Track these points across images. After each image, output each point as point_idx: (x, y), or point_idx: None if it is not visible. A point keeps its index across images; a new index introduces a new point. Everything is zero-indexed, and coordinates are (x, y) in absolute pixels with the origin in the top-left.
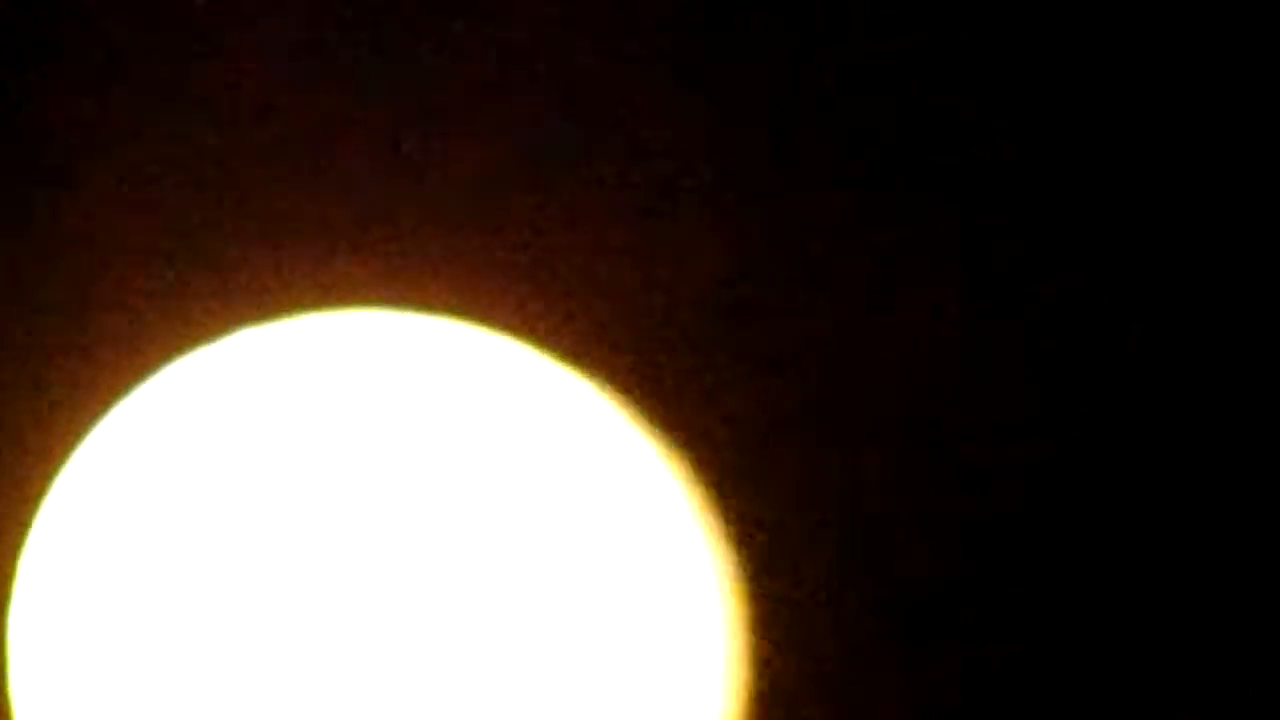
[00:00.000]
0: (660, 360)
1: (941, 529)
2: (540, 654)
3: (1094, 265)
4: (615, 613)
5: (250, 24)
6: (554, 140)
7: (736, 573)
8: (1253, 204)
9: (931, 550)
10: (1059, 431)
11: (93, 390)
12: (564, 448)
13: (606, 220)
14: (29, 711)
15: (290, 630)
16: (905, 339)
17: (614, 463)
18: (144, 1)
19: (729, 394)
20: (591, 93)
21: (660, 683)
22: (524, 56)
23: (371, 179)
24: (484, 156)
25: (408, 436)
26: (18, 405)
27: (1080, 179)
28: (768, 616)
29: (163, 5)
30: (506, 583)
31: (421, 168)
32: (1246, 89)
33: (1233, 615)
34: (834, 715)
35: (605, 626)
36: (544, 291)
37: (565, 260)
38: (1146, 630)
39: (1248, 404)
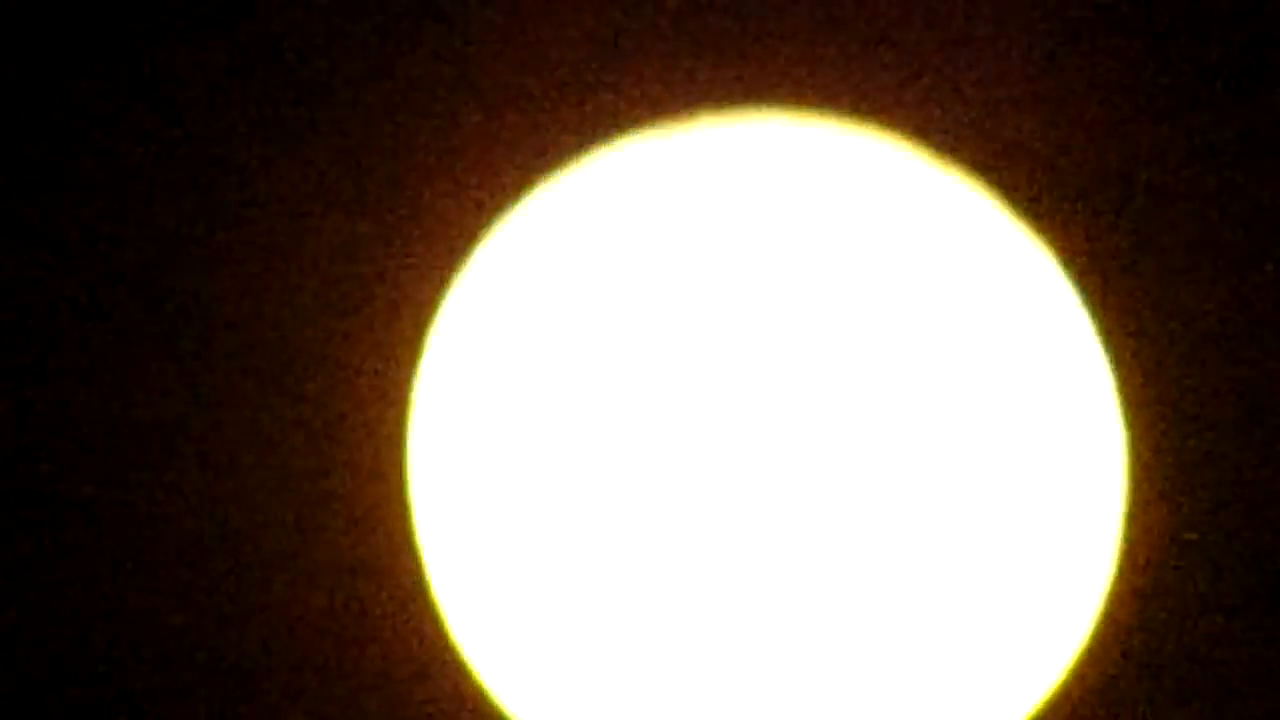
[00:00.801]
0: (1058, 167)
1: None
2: (924, 458)
3: None
4: (998, 411)
5: None
6: None
7: (1122, 382)
8: None
9: None
10: None
11: (489, 191)
12: (953, 252)
13: (999, 23)
14: (426, 499)
15: (672, 428)
16: None
17: (1004, 270)
18: None
19: (1122, 208)
20: None
21: (1044, 487)
22: None
23: None
24: None
25: (793, 240)
26: (415, 205)
27: None
28: (1154, 427)
29: None
30: (890, 382)
31: None
32: None
33: None
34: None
35: (990, 426)
36: (935, 95)
37: (964, 64)
38: None
39: None
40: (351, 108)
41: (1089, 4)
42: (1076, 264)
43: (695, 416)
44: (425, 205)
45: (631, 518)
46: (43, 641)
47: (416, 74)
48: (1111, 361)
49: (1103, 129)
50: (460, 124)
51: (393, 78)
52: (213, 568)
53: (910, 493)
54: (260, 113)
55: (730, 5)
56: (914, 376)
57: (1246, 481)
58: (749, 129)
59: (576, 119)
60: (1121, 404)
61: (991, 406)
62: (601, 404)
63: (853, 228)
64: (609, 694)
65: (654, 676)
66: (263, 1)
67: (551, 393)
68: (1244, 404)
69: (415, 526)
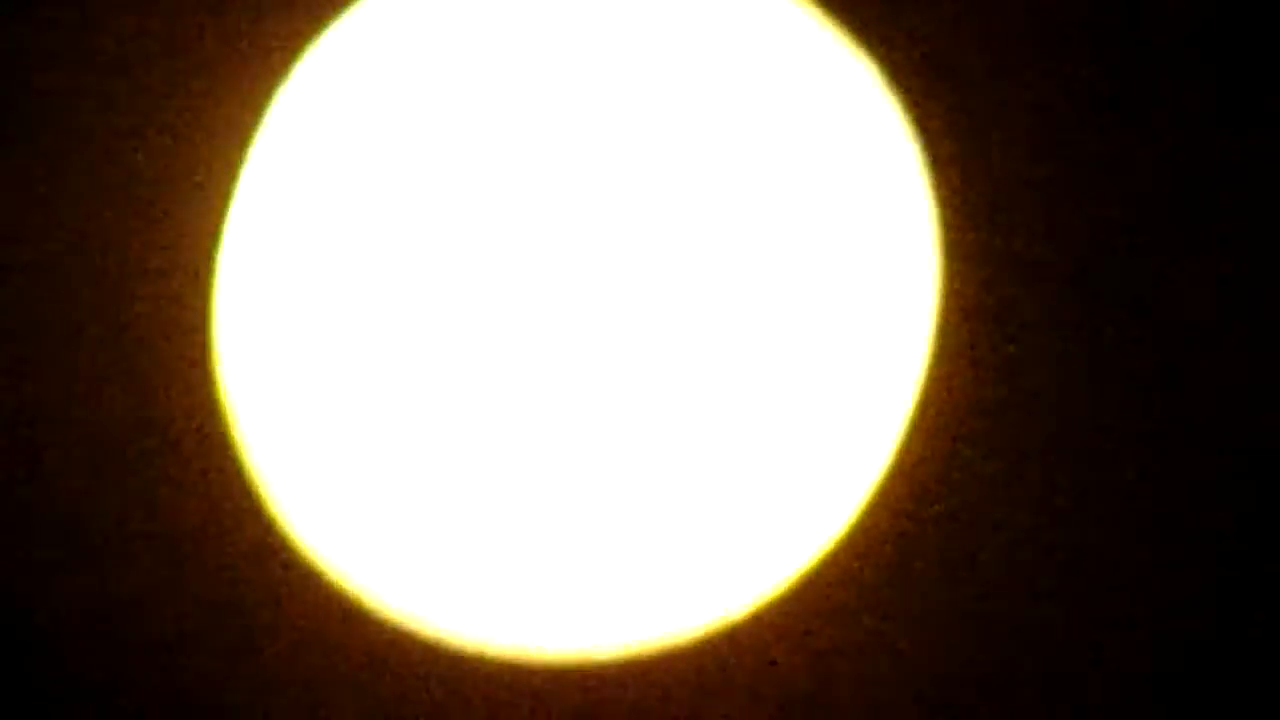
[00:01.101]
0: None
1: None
2: (735, 264)
3: None
4: (811, 212)
5: None
6: None
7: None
8: None
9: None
10: None
11: (289, 32)
12: (765, 58)
13: None
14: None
15: (485, 268)
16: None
17: (818, 75)
18: None
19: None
20: None
21: (855, 293)
22: None
23: None
24: None
25: (604, 49)
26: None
27: None
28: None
29: None
30: (703, 184)
31: None
32: None
33: None
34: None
35: (803, 228)
36: None
37: None
38: None
39: None
40: None
41: None
42: (892, 68)
43: (510, 244)
44: (230, 44)
45: (444, 367)
46: None
47: None
48: (929, 171)
49: None
50: None
51: None
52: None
53: (720, 304)
54: None
55: None
56: (726, 179)
57: (1057, 306)
58: None
59: None
60: (934, 199)
61: (804, 207)
62: (411, 252)
63: (662, 32)
64: (415, 547)
65: (470, 538)
66: None
67: (355, 244)
68: (1058, 210)
69: (219, 377)
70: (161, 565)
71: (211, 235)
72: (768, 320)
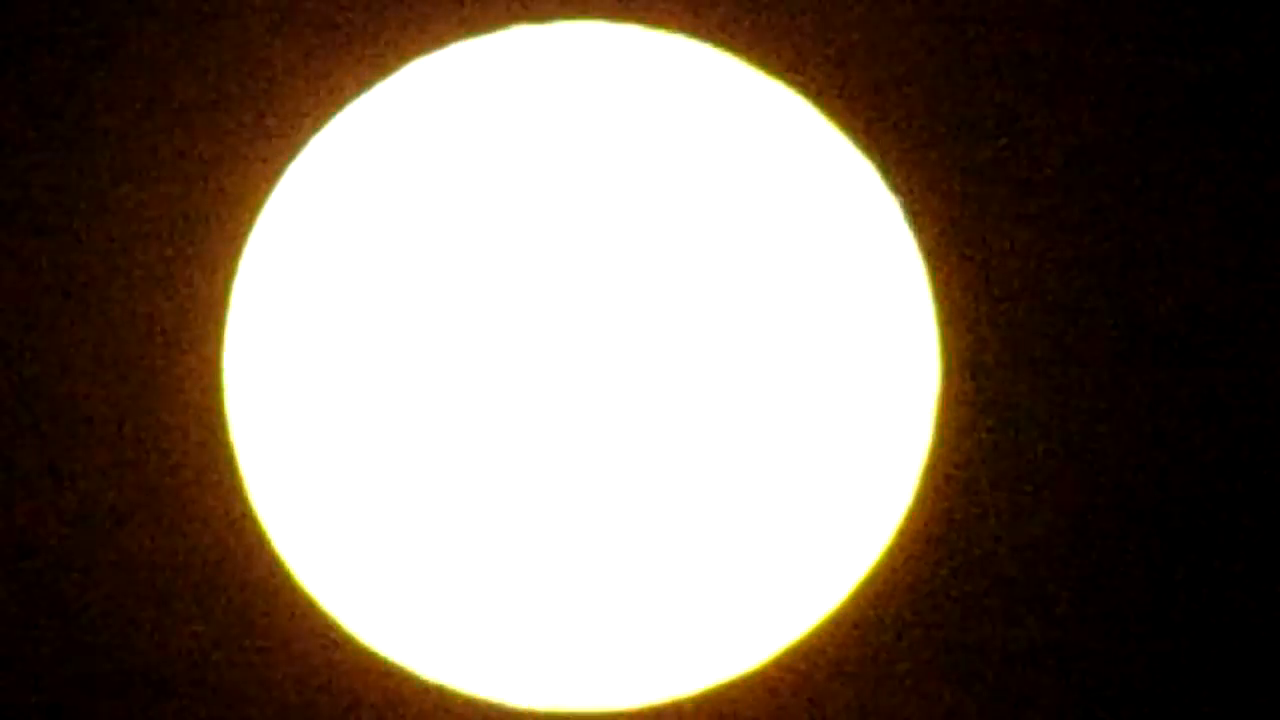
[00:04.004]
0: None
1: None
2: (740, 351)
3: None
4: (817, 305)
5: None
6: None
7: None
8: None
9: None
10: None
11: (306, 101)
12: (772, 159)
13: None
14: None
15: (491, 334)
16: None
17: (821, 175)
18: None
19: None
20: None
21: (857, 376)
22: None
23: None
24: None
25: (609, 144)
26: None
27: None
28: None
29: None
30: (704, 280)
31: None
32: None
33: None
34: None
35: (809, 315)
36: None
37: None
38: None
39: None
40: (163, 24)
41: None
42: (891, 167)
43: (513, 321)
44: (238, 122)
45: (449, 413)
46: None
47: None
48: (927, 265)
49: (919, 32)
50: (271, 41)
51: None
52: (19, 459)
53: (723, 383)
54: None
55: None
56: (728, 274)
57: (1059, 376)
58: (566, 38)
59: (391, 31)
60: (934, 290)
61: (804, 299)
62: (417, 314)
63: (667, 128)
64: (421, 583)
65: (472, 570)
66: None
67: (362, 307)
68: (1059, 304)
69: (230, 428)
70: (165, 608)
71: (221, 292)
72: (774, 390)
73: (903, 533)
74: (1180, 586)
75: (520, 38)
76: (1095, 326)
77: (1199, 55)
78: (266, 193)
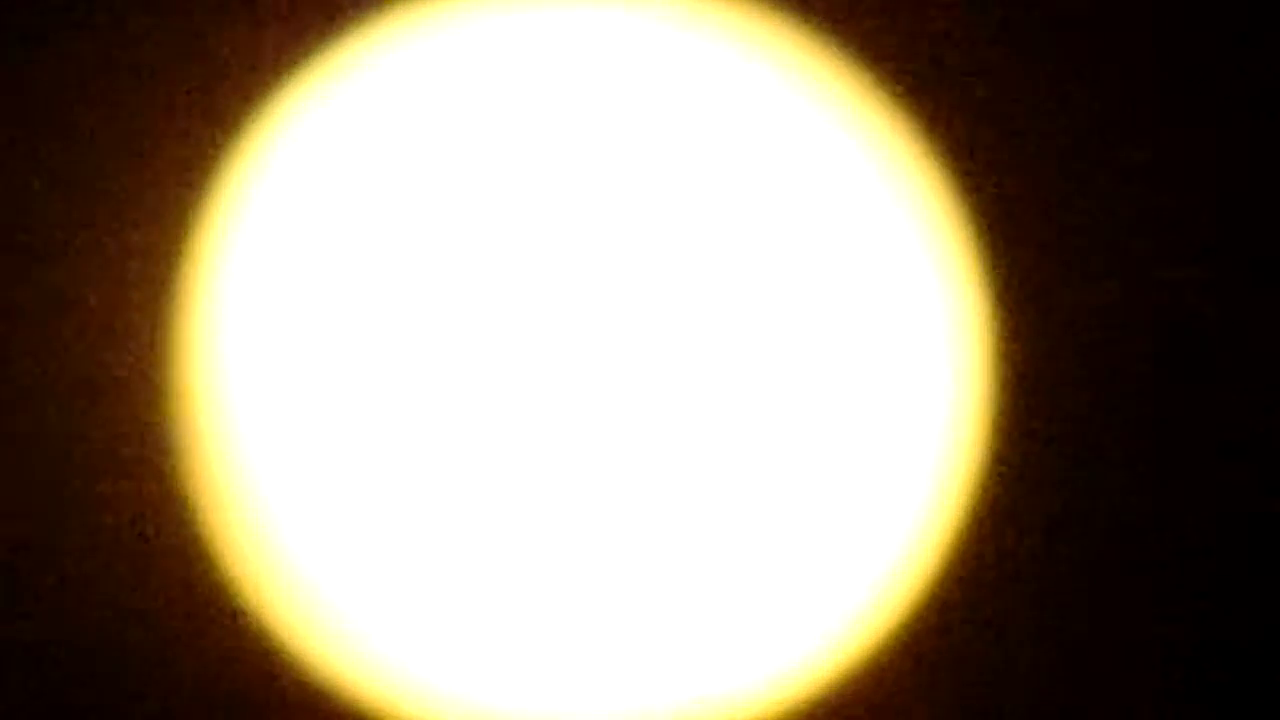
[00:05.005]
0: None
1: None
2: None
3: None
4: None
5: None
6: None
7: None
8: None
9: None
10: None
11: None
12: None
13: None
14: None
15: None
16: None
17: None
18: None
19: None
20: None
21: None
22: None
23: None
24: None
25: (652, 118)
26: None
27: None
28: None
29: None
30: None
31: None
32: None
33: None
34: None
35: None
36: None
37: None
38: None
39: None
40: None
41: None
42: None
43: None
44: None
45: (428, 412)
46: None
47: None
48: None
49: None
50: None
51: None
52: None
53: (772, 388)
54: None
55: None
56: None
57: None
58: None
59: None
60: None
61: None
62: (387, 305)
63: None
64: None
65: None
66: None
67: (323, 296)
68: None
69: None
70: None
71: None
72: (810, 415)
73: (954, 544)
74: (1249, 590)
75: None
76: (1144, 325)
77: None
78: (215, 174)
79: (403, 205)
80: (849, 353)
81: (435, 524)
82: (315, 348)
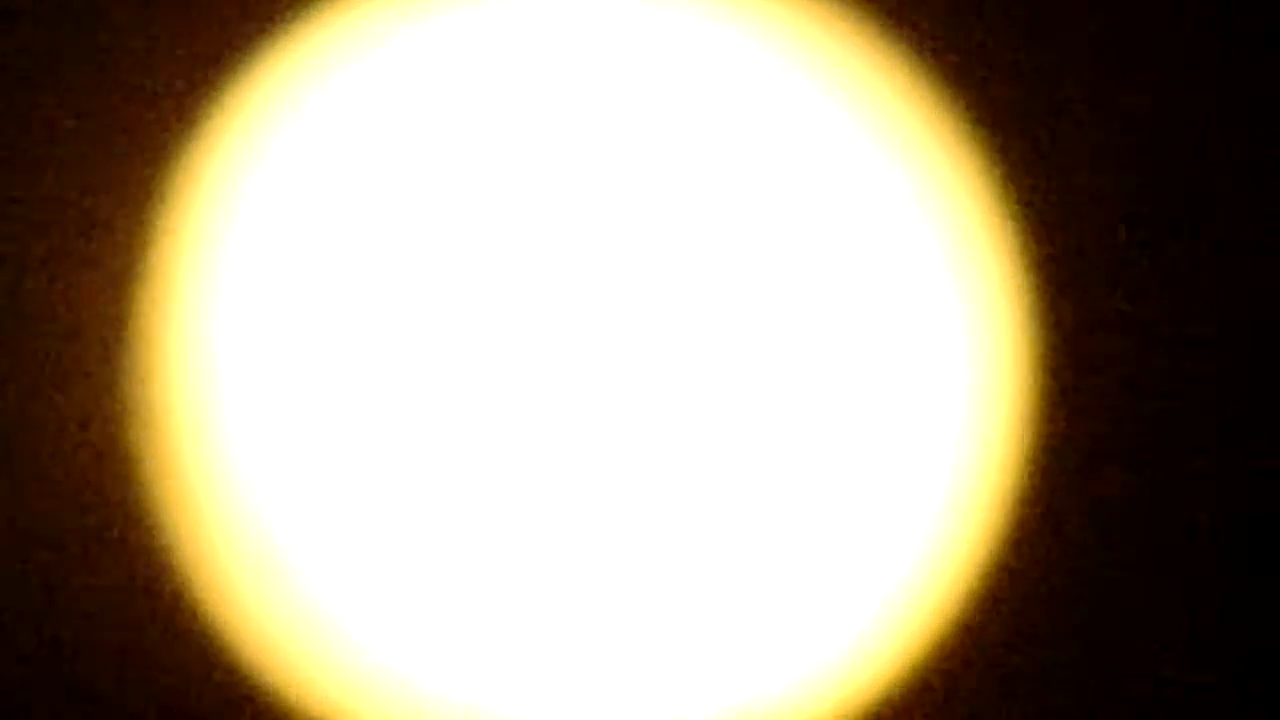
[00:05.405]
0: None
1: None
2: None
3: None
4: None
5: None
6: None
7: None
8: None
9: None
10: None
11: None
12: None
13: None
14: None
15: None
16: None
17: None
18: None
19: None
20: None
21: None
22: None
23: None
24: None
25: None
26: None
27: None
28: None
29: None
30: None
31: None
32: None
33: None
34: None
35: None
36: None
37: None
38: None
39: None
40: None
41: None
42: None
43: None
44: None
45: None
46: None
47: None
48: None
49: None
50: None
51: None
52: None
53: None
54: None
55: None
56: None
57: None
58: None
59: None
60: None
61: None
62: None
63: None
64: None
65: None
66: None
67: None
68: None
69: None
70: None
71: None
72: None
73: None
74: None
75: None
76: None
77: None
78: (182, 162)
79: (377, 195)
80: (889, 352)
81: (429, 530)
82: (287, 343)
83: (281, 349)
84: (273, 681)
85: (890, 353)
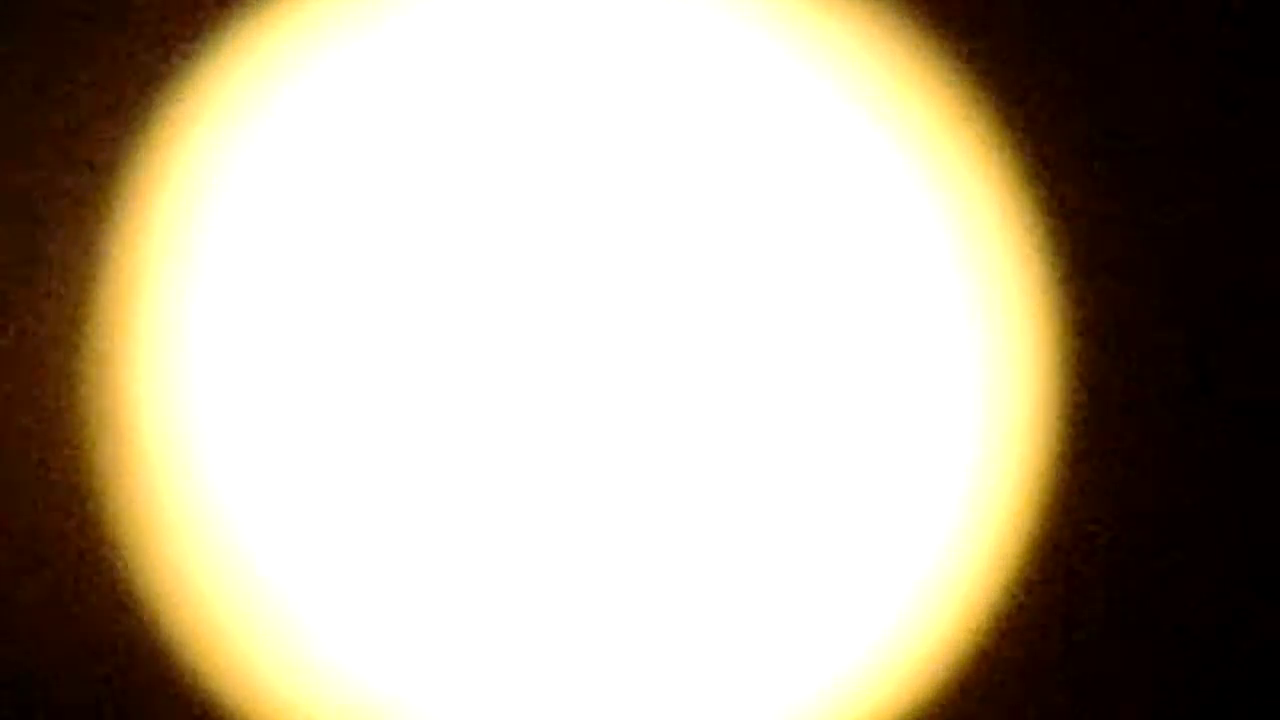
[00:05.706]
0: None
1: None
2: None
3: None
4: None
5: None
6: None
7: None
8: None
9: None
10: None
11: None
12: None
13: None
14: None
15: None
16: None
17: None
18: None
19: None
20: None
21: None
22: None
23: None
24: None
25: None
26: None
27: None
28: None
29: None
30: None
31: None
32: None
33: None
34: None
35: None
36: None
37: None
38: None
39: None
40: None
41: None
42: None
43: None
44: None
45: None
46: None
47: None
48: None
49: None
50: None
51: None
52: None
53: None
54: None
55: None
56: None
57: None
58: None
59: None
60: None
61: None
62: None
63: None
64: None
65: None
66: None
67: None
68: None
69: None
70: None
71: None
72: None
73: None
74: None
75: None
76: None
77: None
78: (132, 163)
79: (349, 188)
80: (914, 353)
81: (417, 534)
82: (255, 340)
83: (250, 346)
84: (244, 692)
85: (915, 353)
